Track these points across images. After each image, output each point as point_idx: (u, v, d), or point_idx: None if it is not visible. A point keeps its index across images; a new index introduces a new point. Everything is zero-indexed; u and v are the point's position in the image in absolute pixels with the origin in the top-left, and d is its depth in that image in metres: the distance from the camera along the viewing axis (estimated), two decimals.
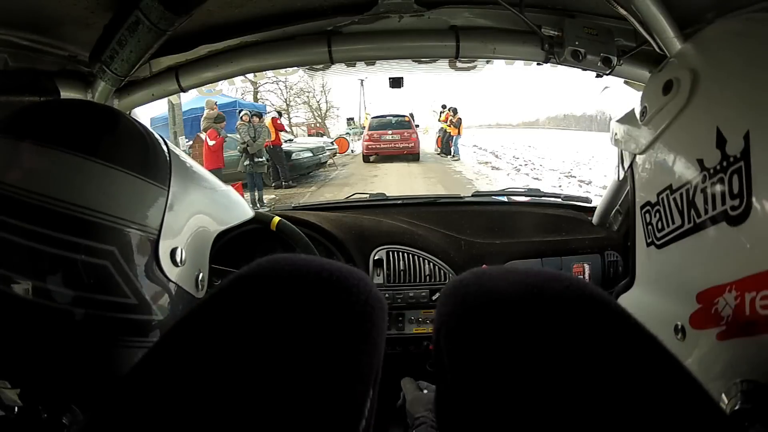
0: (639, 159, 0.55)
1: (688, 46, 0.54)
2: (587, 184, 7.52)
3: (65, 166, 0.44)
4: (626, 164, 0.61)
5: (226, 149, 7.16)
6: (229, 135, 7.39)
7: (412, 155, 9.86)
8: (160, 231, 0.49)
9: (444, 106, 12.07)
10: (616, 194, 1.22)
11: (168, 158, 0.53)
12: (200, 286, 0.57)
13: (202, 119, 7.15)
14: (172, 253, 0.50)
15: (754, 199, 0.38)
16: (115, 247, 0.45)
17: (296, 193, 7.54)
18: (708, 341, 0.42)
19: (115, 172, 0.46)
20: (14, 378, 0.45)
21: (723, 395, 0.38)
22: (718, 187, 0.41)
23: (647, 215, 0.52)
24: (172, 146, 0.55)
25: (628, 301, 0.61)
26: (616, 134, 0.63)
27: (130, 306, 0.46)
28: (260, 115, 7.73)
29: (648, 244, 0.53)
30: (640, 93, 0.59)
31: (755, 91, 0.40)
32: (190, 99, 8.93)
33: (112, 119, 0.51)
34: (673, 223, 0.47)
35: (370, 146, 10.09)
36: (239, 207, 0.67)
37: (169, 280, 0.50)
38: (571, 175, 8.45)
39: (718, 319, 0.41)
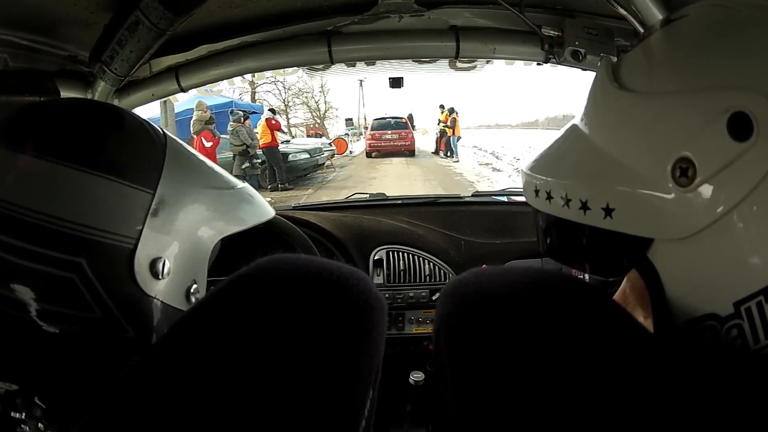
0: (673, 248, 0.32)
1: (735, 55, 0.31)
2: None
3: (29, 170, 0.41)
4: (626, 253, 0.35)
5: (219, 151, 7.10)
6: (222, 136, 7.35)
7: (408, 151, 11.34)
8: (138, 240, 0.44)
9: (442, 106, 12.15)
10: None
11: (162, 156, 0.48)
12: (192, 299, 0.50)
13: (192, 122, 6.99)
14: (153, 264, 0.45)
15: None
16: (83, 259, 0.41)
17: (293, 196, 7.48)
18: None
19: (85, 176, 0.42)
20: None
21: None
22: None
23: (708, 333, 0.32)
24: (173, 141, 0.51)
25: None
26: (567, 199, 0.36)
27: (95, 321, 0.43)
28: (247, 117, 7.62)
29: None
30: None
31: None
32: (187, 99, 8.90)
33: (88, 114, 0.47)
34: None
35: (372, 144, 11.62)
36: (253, 208, 0.60)
37: (146, 293, 0.45)
38: None
39: None
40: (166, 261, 0.46)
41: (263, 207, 0.62)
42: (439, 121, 12.20)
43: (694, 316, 0.32)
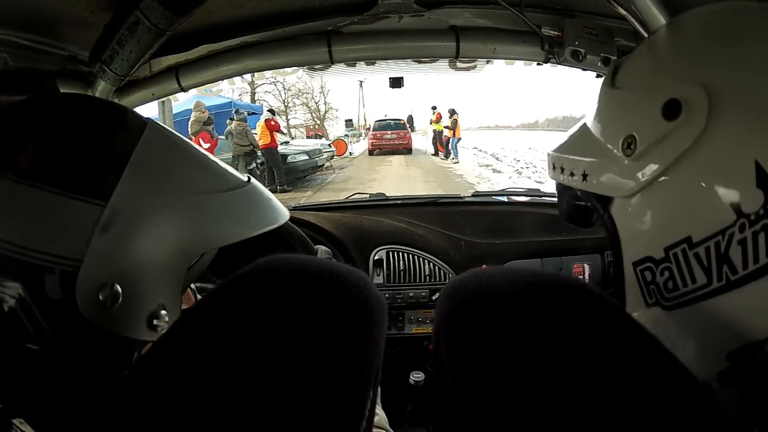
0: (624, 203, 0.41)
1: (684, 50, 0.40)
2: None
3: None
4: (597, 208, 0.44)
5: (218, 152, 7.02)
6: (220, 137, 7.33)
7: (406, 149, 13.28)
8: (82, 261, 0.37)
9: (434, 108, 12.45)
10: None
11: (124, 157, 0.40)
12: (158, 327, 0.42)
13: (190, 123, 6.84)
14: (100, 289, 0.38)
15: None
16: (21, 284, 0.36)
17: (291, 198, 7.39)
18: (733, 390, 0.36)
19: (16, 187, 0.36)
20: None
21: None
22: (763, 237, 0.32)
23: (647, 273, 0.40)
24: (155, 135, 0.43)
25: None
26: (563, 169, 0.47)
27: (33, 352, 0.38)
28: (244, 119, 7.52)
29: (650, 305, 0.42)
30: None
31: None
32: (186, 99, 8.81)
33: (26, 110, 0.41)
34: (694, 282, 0.36)
35: (374, 143, 13.28)
36: (257, 213, 0.50)
37: (90, 322, 0.38)
38: None
39: (751, 372, 0.35)
40: (118, 286, 0.38)
41: (267, 213, 0.50)
42: (431, 121, 12.59)
43: (637, 258, 0.40)
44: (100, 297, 0.38)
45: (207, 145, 6.72)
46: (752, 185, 0.32)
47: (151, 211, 0.41)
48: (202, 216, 0.45)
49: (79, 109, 0.42)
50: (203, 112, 6.97)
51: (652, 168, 0.37)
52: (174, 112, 7.85)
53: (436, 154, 12.64)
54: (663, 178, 0.37)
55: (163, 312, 0.42)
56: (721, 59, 0.36)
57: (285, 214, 0.52)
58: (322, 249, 0.96)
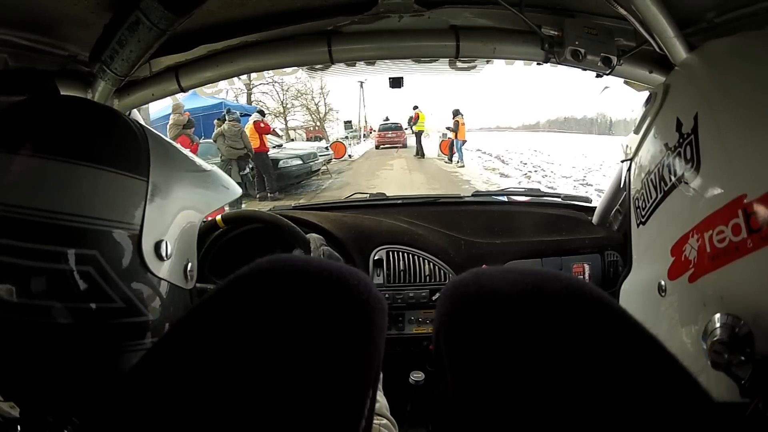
0: (633, 162, 0.67)
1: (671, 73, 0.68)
2: None
3: (31, 170, 0.41)
4: (625, 169, 0.72)
5: (206, 156, 6.42)
6: (203, 141, 6.83)
7: (402, 145, 17.43)
8: (142, 226, 0.46)
9: (415, 107, 12.89)
10: (616, 194, 1.22)
11: (146, 144, 0.49)
12: (189, 277, 0.53)
13: (168, 126, 6.20)
14: (157, 246, 0.47)
15: (702, 161, 0.49)
16: (97, 251, 0.42)
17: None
18: (682, 287, 0.50)
19: (88, 170, 0.43)
20: (6, 392, 0.44)
21: (707, 329, 0.44)
22: (678, 159, 0.53)
23: (636, 201, 0.64)
24: (149, 128, 0.52)
25: (627, 284, 0.68)
26: (624, 149, 0.74)
27: (118, 310, 0.44)
28: (224, 119, 6.85)
29: (637, 225, 0.63)
30: (640, 93, 0.72)
31: (697, 88, 0.55)
32: (170, 103, 7.99)
33: (79, 111, 0.47)
34: (651, 198, 0.58)
35: (379, 140, 17.68)
36: (225, 188, 0.64)
37: (156, 276, 0.47)
38: (587, 183, 7.93)
39: (688, 263, 0.50)
40: (167, 243, 0.49)
41: (232, 187, 0.67)
42: (410, 122, 13.21)
43: (634, 193, 0.67)
44: (159, 252, 0.48)
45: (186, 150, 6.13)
46: (674, 131, 0.53)
47: (173, 184, 0.51)
48: (200, 188, 0.57)
49: (116, 115, 0.51)
50: (183, 115, 6.26)
51: (639, 136, 0.63)
52: (161, 114, 7.08)
53: (417, 154, 12.69)
54: (643, 139, 0.62)
55: (191, 265, 0.54)
56: (676, 74, 0.62)
57: (238, 191, 0.68)
58: (314, 237, 0.96)
